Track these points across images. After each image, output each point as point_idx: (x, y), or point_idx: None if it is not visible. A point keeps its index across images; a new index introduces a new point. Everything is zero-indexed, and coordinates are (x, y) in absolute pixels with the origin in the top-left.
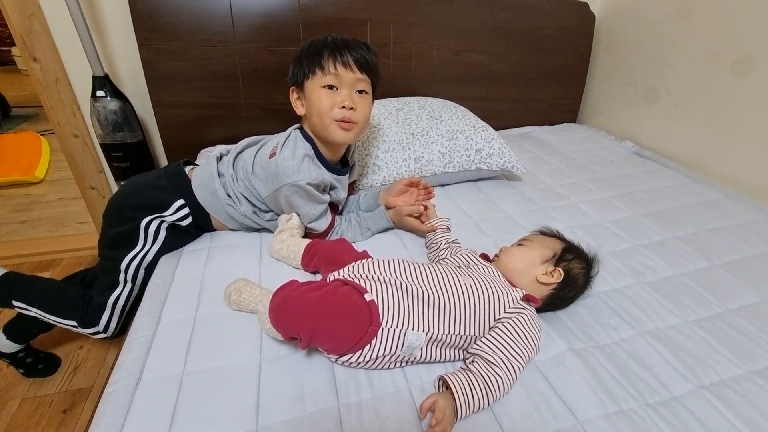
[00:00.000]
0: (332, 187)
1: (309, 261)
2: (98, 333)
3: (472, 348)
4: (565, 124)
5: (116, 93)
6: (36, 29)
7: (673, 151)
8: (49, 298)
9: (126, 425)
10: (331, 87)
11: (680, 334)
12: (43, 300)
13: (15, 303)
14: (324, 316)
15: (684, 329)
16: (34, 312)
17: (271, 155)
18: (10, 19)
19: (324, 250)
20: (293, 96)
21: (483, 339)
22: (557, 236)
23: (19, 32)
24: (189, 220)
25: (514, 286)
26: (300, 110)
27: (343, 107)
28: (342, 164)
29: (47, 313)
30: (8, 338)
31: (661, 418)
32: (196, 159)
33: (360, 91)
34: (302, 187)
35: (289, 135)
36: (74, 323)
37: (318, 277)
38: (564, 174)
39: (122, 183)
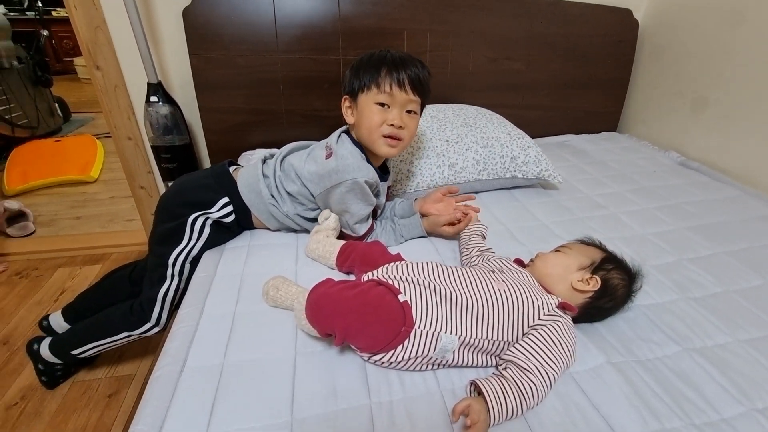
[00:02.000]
0: (377, 191)
1: (344, 261)
2: (152, 329)
3: (505, 354)
4: (604, 133)
5: (168, 99)
6: (100, 40)
7: (723, 163)
8: (95, 329)
9: (171, 407)
10: (383, 104)
11: (730, 353)
12: (91, 333)
13: (73, 353)
14: (359, 315)
15: (735, 348)
16: (92, 349)
17: (328, 156)
18: (78, 32)
19: (359, 251)
20: (345, 104)
21: (517, 345)
22: (598, 246)
23: (86, 43)
24: (232, 217)
25: (549, 292)
26: (350, 119)
27: (392, 125)
28: (382, 170)
29: (100, 340)
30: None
31: None
32: (237, 161)
33: (409, 111)
34: (360, 185)
35: (339, 136)
36: (125, 334)
37: (352, 278)
38: (603, 184)
39: (169, 183)
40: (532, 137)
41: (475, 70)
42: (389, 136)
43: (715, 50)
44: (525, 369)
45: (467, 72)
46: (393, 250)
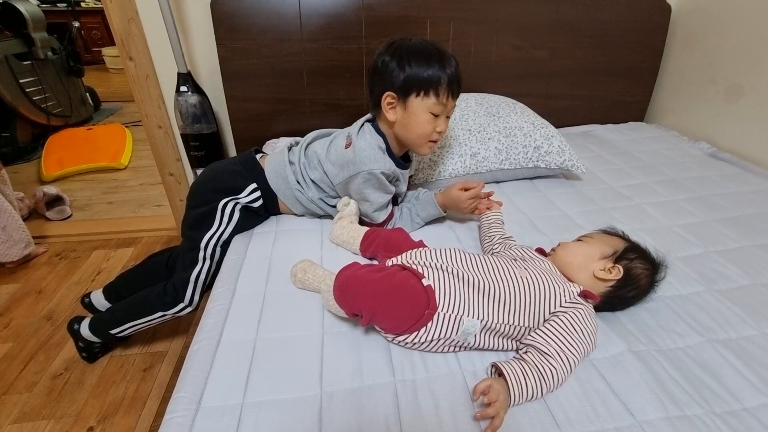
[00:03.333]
0: (396, 180)
1: (367, 247)
2: (185, 308)
3: (526, 339)
4: (631, 122)
5: (196, 88)
6: (133, 32)
7: (756, 154)
8: (132, 310)
9: (210, 377)
10: (435, 114)
11: (756, 345)
12: (128, 314)
13: (112, 332)
14: (385, 296)
15: (761, 341)
16: (129, 328)
17: (347, 145)
18: (112, 23)
19: (382, 238)
20: (386, 100)
21: (537, 330)
22: (621, 236)
23: (120, 34)
24: (260, 202)
25: (570, 281)
26: (390, 116)
27: (439, 131)
28: (404, 158)
29: (136, 320)
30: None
31: (730, 428)
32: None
33: (447, 116)
34: (376, 176)
35: (362, 126)
36: (160, 313)
37: (376, 263)
38: (628, 174)
39: (197, 170)
40: (556, 127)
41: (499, 59)
42: (432, 141)
43: (752, 36)
44: (545, 353)
45: (490, 60)
46: (415, 237)
